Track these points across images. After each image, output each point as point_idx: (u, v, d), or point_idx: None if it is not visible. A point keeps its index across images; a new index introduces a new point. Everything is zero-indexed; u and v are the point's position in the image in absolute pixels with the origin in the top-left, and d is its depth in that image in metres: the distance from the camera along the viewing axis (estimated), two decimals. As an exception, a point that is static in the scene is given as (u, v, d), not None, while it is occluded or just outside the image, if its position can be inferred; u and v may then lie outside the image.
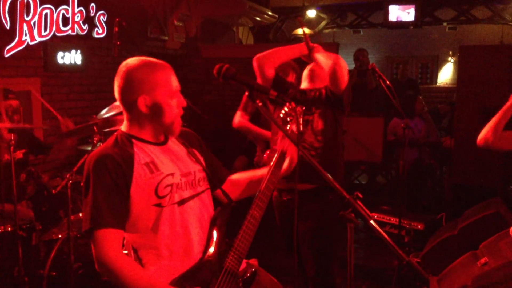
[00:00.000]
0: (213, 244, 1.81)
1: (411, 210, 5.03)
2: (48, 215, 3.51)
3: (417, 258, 3.88)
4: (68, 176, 3.02)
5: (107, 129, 3.23)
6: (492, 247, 3.05)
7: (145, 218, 1.72)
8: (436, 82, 12.66)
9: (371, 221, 1.50)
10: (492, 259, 2.91)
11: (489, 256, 2.97)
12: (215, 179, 1.99)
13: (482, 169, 4.45)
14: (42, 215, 3.46)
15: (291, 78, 3.92)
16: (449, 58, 12.46)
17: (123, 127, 1.83)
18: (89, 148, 3.36)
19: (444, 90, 11.67)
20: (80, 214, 3.41)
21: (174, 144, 1.89)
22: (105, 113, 3.44)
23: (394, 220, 4.61)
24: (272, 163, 1.93)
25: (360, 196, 1.54)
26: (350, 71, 7.28)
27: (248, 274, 1.86)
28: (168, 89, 1.76)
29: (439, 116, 7.47)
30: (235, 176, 2.11)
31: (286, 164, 1.98)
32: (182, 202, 1.78)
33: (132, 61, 1.78)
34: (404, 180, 4.11)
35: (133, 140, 1.78)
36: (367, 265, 4.31)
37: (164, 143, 1.85)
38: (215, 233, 1.83)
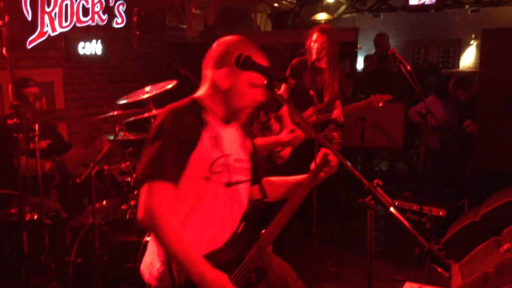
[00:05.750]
0: (241, 233, 1.83)
1: (434, 197, 4.97)
2: (72, 204, 3.59)
3: (439, 245, 3.86)
4: (91, 165, 3.08)
5: (130, 119, 3.27)
6: (515, 233, 3.02)
7: (190, 188, 1.73)
8: (458, 67, 12.41)
9: (391, 208, 1.49)
10: (515, 246, 2.89)
11: (512, 242, 2.94)
12: (255, 175, 2.01)
13: (505, 155, 4.38)
14: (67, 204, 3.54)
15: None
16: (472, 42, 12.19)
17: (200, 93, 1.85)
18: (112, 138, 3.40)
19: (467, 74, 11.43)
20: (104, 202, 3.48)
21: (235, 127, 1.92)
22: (123, 99, 3.46)
23: (415, 207, 4.58)
24: (312, 171, 1.92)
25: (380, 183, 1.54)
26: (370, 56, 7.19)
27: (261, 270, 1.87)
28: (254, 77, 1.75)
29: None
30: (268, 178, 2.12)
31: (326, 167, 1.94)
32: (228, 185, 1.80)
33: (236, 37, 1.82)
34: (428, 166, 4.06)
35: (206, 111, 1.80)
36: (388, 251, 4.30)
37: (230, 122, 1.88)
38: (245, 224, 1.85)
